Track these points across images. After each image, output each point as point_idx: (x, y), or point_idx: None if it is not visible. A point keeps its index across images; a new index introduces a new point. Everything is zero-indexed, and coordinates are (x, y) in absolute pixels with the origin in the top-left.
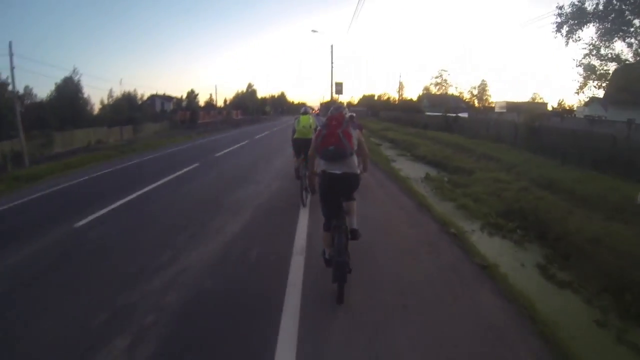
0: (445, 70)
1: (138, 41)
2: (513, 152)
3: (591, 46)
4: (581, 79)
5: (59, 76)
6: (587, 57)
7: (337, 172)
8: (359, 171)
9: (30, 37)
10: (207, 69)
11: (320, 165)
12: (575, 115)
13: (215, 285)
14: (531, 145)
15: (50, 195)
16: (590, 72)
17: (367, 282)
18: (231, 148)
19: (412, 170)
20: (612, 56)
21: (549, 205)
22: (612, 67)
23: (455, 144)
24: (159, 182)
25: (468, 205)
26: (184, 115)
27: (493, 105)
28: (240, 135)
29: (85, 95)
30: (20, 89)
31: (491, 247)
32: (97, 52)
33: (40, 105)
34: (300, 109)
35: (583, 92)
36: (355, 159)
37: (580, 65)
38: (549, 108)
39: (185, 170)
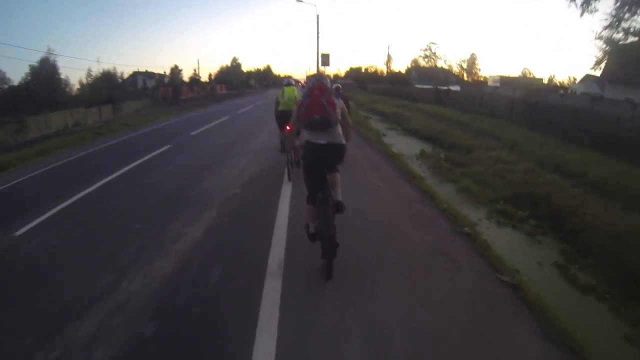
0: (434, 43)
1: (119, 18)
2: (511, 129)
3: (614, 18)
4: (599, 53)
5: (33, 59)
6: (607, 29)
7: (322, 142)
8: (344, 141)
9: None
10: (191, 45)
11: (304, 136)
12: (573, 92)
13: (160, 330)
14: (528, 122)
15: (4, 192)
16: (611, 45)
17: (368, 325)
18: (209, 125)
19: (405, 145)
20: (634, 30)
21: (560, 192)
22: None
23: (448, 117)
24: (121, 171)
25: (470, 188)
26: (165, 92)
27: (484, 79)
28: (222, 110)
29: (63, 76)
30: None
31: (503, 240)
32: (74, 31)
33: (16, 90)
34: (283, 82)
35: (600, 68)
36: (339, 129)
37: (599, 38)
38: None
39: (154, 154)
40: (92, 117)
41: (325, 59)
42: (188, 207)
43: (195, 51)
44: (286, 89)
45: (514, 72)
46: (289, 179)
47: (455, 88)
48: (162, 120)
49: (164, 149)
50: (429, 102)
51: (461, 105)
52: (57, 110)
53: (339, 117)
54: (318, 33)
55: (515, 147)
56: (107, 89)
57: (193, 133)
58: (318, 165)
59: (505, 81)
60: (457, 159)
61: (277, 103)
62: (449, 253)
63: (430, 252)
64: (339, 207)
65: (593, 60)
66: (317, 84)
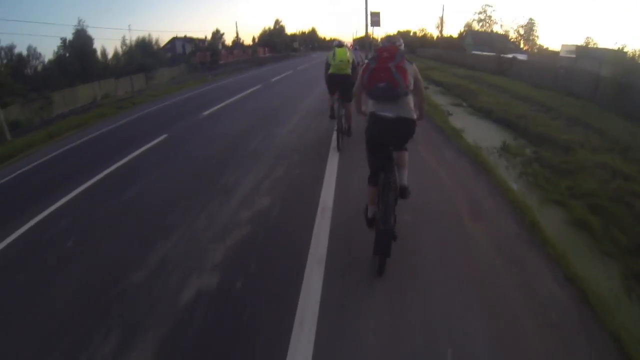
0: (489, 6)
1: None
2: (606, 117)
3: None
4: None
5: (63, 33)
6: None
7: (390, 115)
8: (415, 116)
9: None
10: (234, 8)
11: (368, 106)
12: None
13: None
14: (619, 107)
15: None
16: None
17: None
18: (231, 99)
19: (478, 131)
20: None
21: None
22: None
23: (521, 94)
24: (63, 200)
25: (588, 221)
26: (203, 57)
27: (548, 49)
28: (258, 77)
29: (99, 47)
30: (23, 50)
31: None
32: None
33: (53, 65)
34: (332, 44)
35: None
36: (411, 100)
37: None
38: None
39: (131, 156)
40: (124, 87)
41: (375, 18)
42: (115, 320)
43: (238, 15)
44: (337, 50)
45: (575, 40)
46: (339, 148)
47: (522, 57)
48: (190, 89)
49: (155, 142)
50: (489, 72)
51: (529, 78)
52: (91, 82)
53: (410, 87)
54: None
55: (628, 151)
56: (142, 57)
57: (206, 112)
58: (383, 142)
59: (582, 51)
60: (555, 162)
61: (328, 66)
62: None
63: None
64: (403, 193)
65: None
66: (388, 46)
